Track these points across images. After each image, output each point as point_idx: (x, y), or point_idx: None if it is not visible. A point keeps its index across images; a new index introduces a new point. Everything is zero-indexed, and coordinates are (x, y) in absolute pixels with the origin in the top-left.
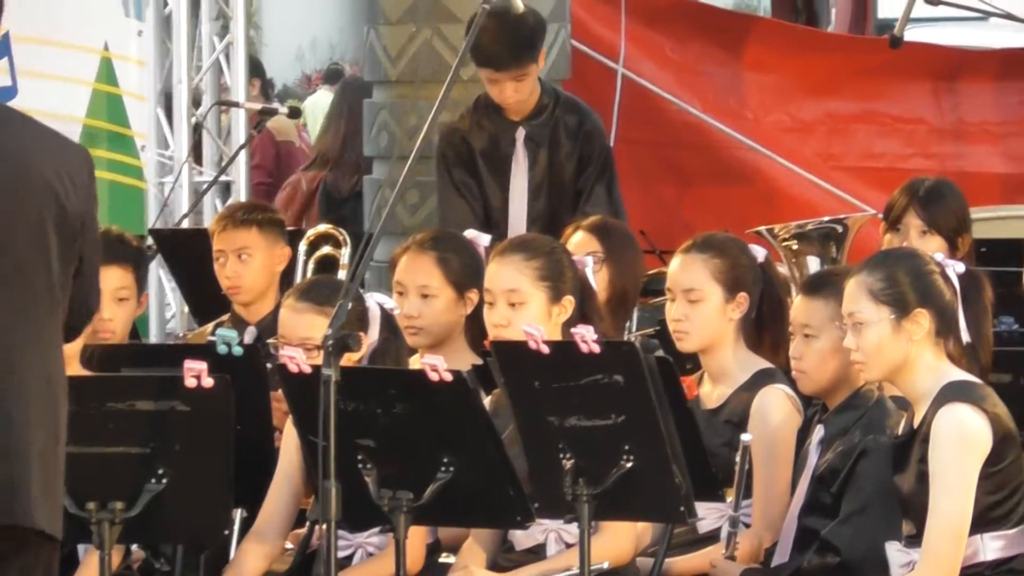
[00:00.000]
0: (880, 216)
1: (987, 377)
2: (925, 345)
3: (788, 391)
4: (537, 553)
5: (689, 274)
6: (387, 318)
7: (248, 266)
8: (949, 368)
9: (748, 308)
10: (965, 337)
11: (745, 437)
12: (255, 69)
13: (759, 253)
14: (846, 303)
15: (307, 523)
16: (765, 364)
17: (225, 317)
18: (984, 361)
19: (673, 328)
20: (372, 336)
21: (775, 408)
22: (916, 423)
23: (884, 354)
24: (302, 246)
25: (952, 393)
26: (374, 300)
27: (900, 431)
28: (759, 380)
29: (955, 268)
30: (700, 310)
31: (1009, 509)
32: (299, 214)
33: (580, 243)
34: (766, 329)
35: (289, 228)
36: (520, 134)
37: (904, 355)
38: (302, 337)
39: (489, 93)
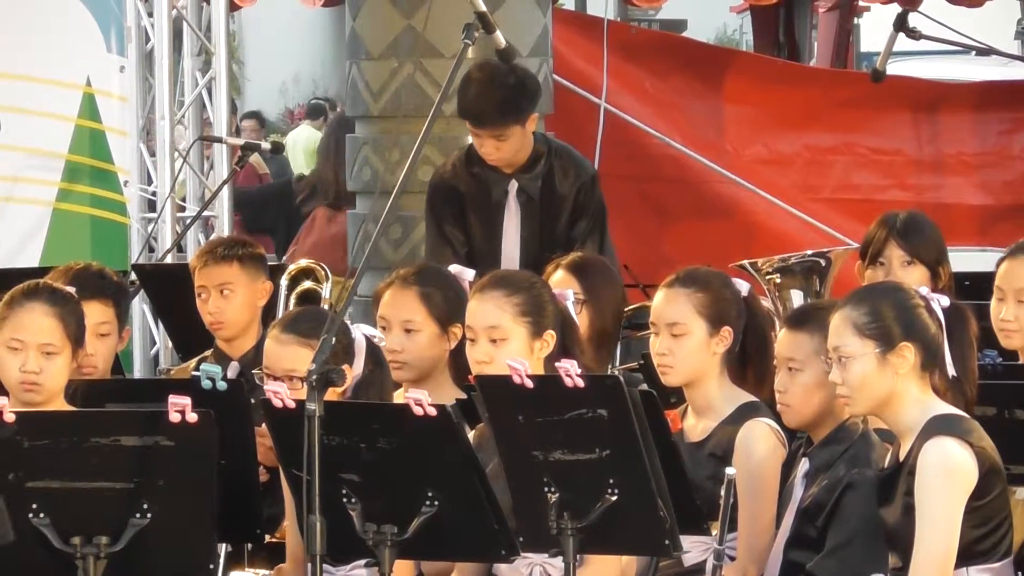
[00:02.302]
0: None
1: (972, 410)
2: (910, 379)
3: (772, 424)
4: None
5: (673, 308)
6: (372, 349)
7: (230, 301)
8: (935, 401)
9: (732, 342)
10: (951, 371)
11: (730, 471)
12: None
13: (743, 287)
14: (831, 337)
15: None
16: (749, 398)
17: (208, 353)
18: (969, 394)
19: (657, 362)
20: (357, 368)
21: (759, 441)
22: (902, 456)
23: (869, 388)
24: (283, 280)
25: (938, 427)
26: (360, 331)
27: (886, 464)
28: (743, 413)
29: (940, 302)
30: (684, 344)
31: (995, 542)
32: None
33: (559, 282)
34: (750, 363)
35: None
36: (512, 186)
37: (889, 389)
38: (286, 369)
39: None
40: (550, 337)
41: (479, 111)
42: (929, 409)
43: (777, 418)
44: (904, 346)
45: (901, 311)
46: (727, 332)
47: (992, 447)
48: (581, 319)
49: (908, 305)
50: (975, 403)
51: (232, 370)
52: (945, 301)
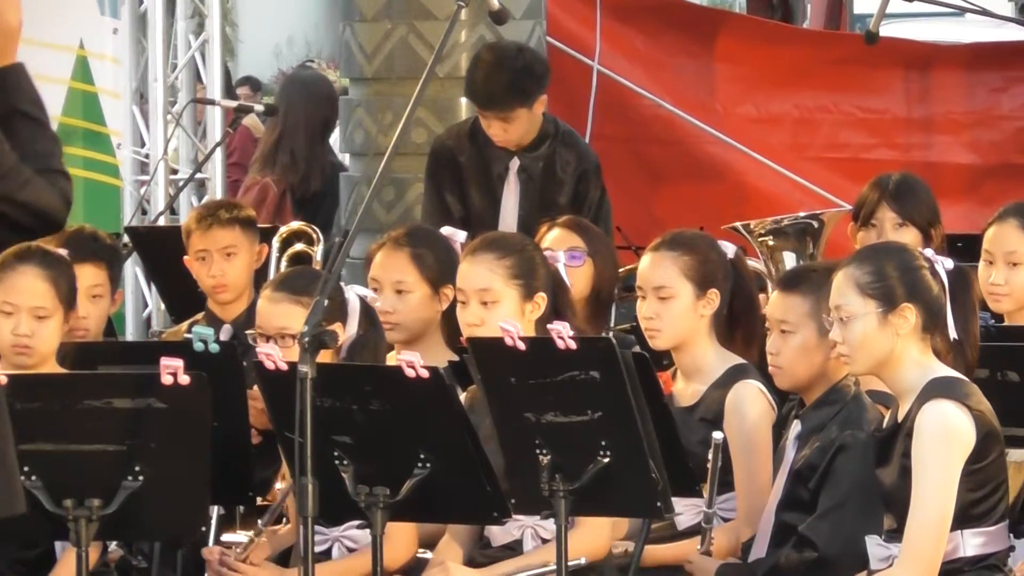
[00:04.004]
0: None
1: (973, 373)
2: (911, 340)
3: (761, 386)
4: (514, 549)
5: (659, 272)
6: (367, 310)
7: (233, 264)
8: (935, 364)
9: (719, 304)
10: (952, 333)
11: (717, 435)
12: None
13: (729, 249)
14: (833, 296)
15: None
16: (738, 360)
17: (199, 315)
18: (971, 358)
19: (644, 326)
20: (351, 328)
21: (750, 403)
22: (900, 417)
23: (869, 347)
24: (275, 243)
25: (937, 389)
26: (354, 292)
27: (884, 425)
28: (733, 376)
29: (944, 264)
30: (671, 307)
31: (990, 506)
32: (272, 217)
33: (559, 238)
34: (738, 325)
35: (263, 226)
36: (514, 164)
37: (889, 349)
38: (279, 327)
39: None
40: (541, 299)
41: (485, 94)
42: (929, 371)
43: (766, 380)
44: (906, 307)
45: (904, 272)
46: (714, 294)
47: (990, 411)
48: (584, 272)
49: (912, 266)
50: (976, 366)
51: (224, 333)
52: (949, 263)
